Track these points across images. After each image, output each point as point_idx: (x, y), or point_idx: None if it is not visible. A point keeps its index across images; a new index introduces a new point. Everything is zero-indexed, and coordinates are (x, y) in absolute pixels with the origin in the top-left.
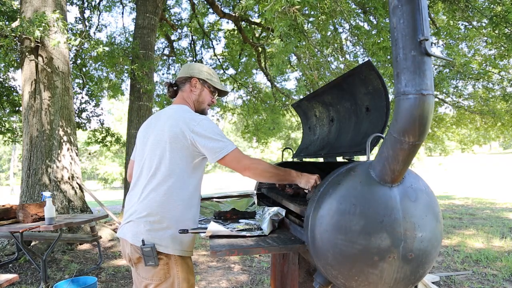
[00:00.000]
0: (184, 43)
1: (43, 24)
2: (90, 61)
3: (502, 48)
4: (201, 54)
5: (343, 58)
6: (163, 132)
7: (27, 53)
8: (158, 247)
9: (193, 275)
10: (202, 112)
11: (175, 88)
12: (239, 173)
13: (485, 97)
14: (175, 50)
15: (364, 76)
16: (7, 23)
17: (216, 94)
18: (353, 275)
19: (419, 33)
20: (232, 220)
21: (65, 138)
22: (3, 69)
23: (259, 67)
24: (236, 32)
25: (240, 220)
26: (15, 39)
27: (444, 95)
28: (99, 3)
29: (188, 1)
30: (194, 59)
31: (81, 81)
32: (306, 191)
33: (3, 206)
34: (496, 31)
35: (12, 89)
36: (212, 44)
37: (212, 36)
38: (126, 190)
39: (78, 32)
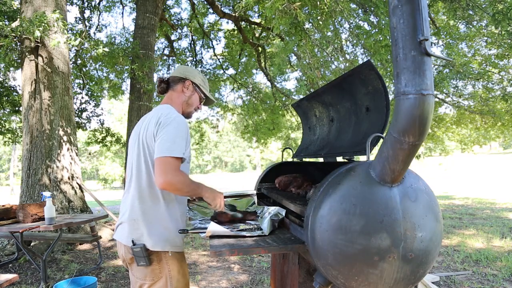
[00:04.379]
0: (184, 43)
1: (43, 24)
2: (90, 61)
3: (504, 46)
4: (201, 54)
5: (343, 58)
6: (144, 133)
7: (27, 53)
8: (148, 245)
9: (187, 274)
10: (188, 114)
11: (165, 86)
12: (156, 181)
13: (485, 97)
14: (175, 50)
15: (364, 76)
16: (7, 23)
17: (203, 101)
18: (353, 275)
19: (419, 33)
20: (230, 222)
21: (65, 138)
22: (3, 69)
23: (259, 67)
24: (236, 32)
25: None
26: (15, 39)
27: (444, 95)
28: (99, 3)
29: (188, 1)
30: (194, 59)
31: (81, 81)
32: (210, 206)
33: (3, 206)
34: (498, 29)
35: (12, 89)
36: (212, 44)
37: (212, 36)
38: None
39: (78, 32)
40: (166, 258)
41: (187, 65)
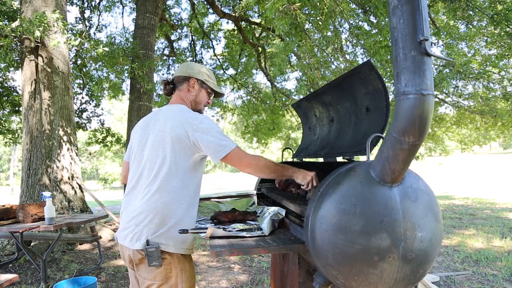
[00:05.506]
0: (184, 43)
1: (43, 24)
2: (90, 61)
3: (503, 47)
4: (201, 54)
5: (343, 58)
6: (164, 133)
7: (27, 53)
8: (162, 246)
9: (194, 274)
10: (199, 112)
11: (171, 86)
12: (241, 170)
13: (485, 97)
14: (175, 50)
15: (364, 76)
16: (7, 23)
17: (212, 95)
18: (353, 275)
19: (419, 33)
20: (230, 222)
21: (65, 138)
22: (3, 69)
23: (259, 67)
24: (236, 32)
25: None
26: (15, 39)
27: (444, 95)
28: (99, 3)
29: (188, 1)
30: (194, 59)
31: (81, 81)
32: (303, 187)
33: (3, 206)
34: (497, 30)
35: (12, 89)
36: (212, 44)
37: (212, 36)
38: None
39: (78, 32)
40: (178, 258)
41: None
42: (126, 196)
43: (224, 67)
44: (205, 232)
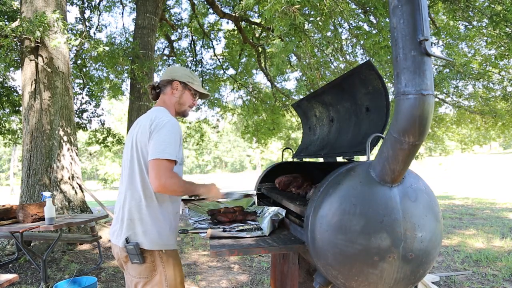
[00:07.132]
0: (184, 43)
1: (43, 24)
2: (90, 61)
3: (503, 47)
4: (201, 54)
5: (343, 58)
6: (138, 136)
7: (27, 53)
8: (141, 244)
9: (181, 271)
10: (183, 113)
11: (157, 91)
12: (151, 184)
13: (485, 97)
14: (175, 50)
15: (364, 76)
16: (7, 23)
17: (198, 97)
18: (353, 275)
19: (419, 33)
20: (230, 222)
21: (65, 138)
22: (3, 69)
23: (259, 67)
24: (236, 32)
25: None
26: (15, 39)
27: (444, 95)
28: (99, 3)
29: (188, 1)
30: (194, 59)
31: (81, 81)
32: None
33: (3, 206)
34: (496, 31)
35: (12, 89)
36: (212, 44)
37: (212, 36)
38: None
39: (78, 32)
40: (160, 256)
41: (175, 64)
42: (117, 196)
43: (224, 67)
44: (205, 232)
